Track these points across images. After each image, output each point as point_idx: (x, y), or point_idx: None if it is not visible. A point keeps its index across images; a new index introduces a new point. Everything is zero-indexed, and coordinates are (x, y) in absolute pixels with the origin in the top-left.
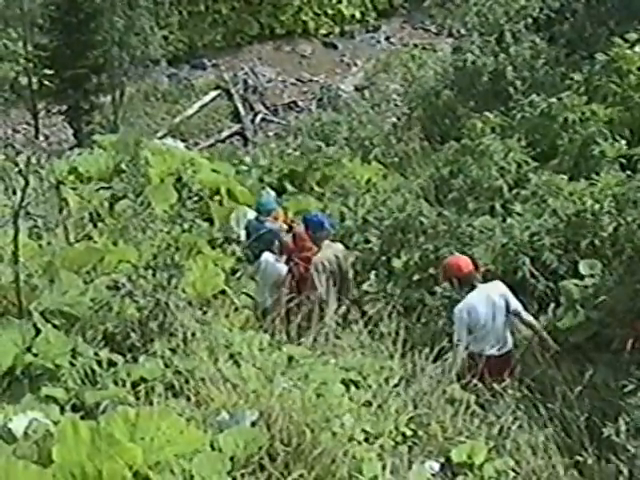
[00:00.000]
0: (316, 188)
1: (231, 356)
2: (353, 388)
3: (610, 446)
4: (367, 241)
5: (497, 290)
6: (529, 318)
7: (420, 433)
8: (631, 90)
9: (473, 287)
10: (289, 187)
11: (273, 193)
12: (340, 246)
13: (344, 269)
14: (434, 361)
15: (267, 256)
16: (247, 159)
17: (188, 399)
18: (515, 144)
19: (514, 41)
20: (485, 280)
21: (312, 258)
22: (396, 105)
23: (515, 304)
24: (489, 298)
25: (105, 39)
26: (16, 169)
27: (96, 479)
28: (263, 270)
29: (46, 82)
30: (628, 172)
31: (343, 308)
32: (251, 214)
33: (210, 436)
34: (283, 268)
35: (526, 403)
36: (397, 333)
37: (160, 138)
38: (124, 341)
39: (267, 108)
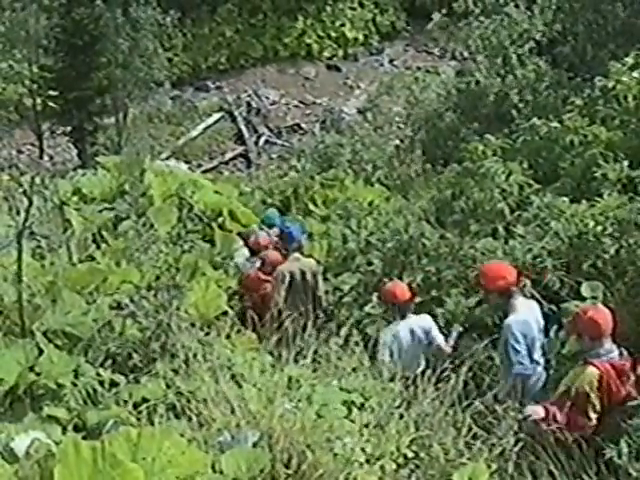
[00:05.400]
0: (317, 211)
1: (233, 377)
2: (355, 409)
3: (612, 469)
4: (369, 263)
5: (422, 322)
6: (447, 350)
7: (422, 455)
8: (629, 115)
9: (404, 315)
10: (291, 209)
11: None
12: (310, 261)
13: (311, 284)
14: (436, 383)
15: (245, 252)
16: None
17: (190, 420)
18: (517, 166)
19: (518, 64)
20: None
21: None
22: (399, 128)
23: (437, 339)
24: (412, 329)
25: (109, 61)
26: (20, 189)
27: None
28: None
29: (50, 103)
30: (630, 194)
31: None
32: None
33: (212, 457)
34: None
35: (527, 425)
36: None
37: (163, 160)
38: (126, 361)
39: (270, 130)
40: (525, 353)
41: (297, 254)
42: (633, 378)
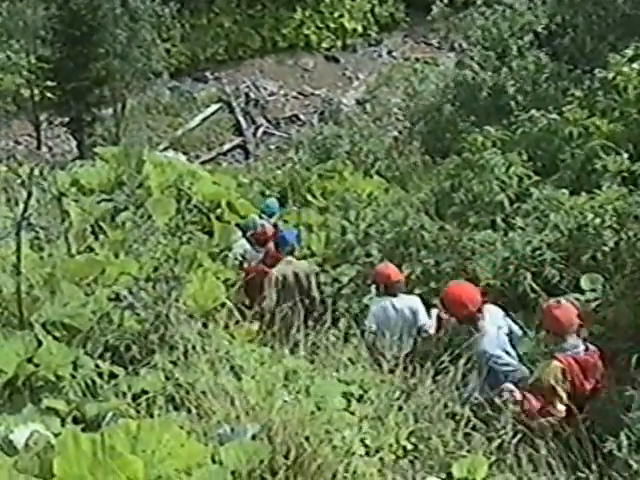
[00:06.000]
0: (315, 202)
1: (232, 369)
2: (354, 401)
3: (612, 461)
4: (368, 255)
5: (409, 303)
6: (431, 332)
7: (421, 447)
8: (629, 106)
9: (395, 295)
10: (289, 200)
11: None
12: (303, 264)
13: (305, 286)
14: (435, 375)
15: (244, 243)
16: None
17: (189, 412)
18: (516, 158)
19: (517, 55)
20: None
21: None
22: (398, 119)
23: (423, 320)
24: (400, 308)
25: (107, 51)
26: (18, 180)
27: None
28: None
29: (48, 94)
30: (630, 187)
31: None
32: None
33: (211, 449)
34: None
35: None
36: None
37: (162, 151)
38: (125, 353)
39: (269, 121)
40: (508, 360)
41: (290, 257)
42: (603, 370)
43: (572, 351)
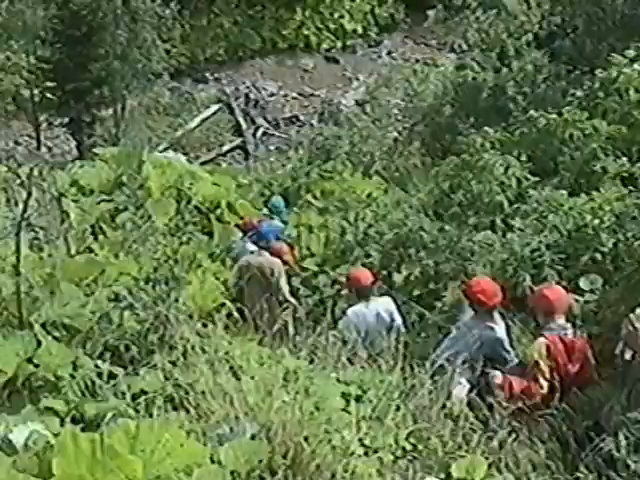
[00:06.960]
0: (315, 203)
1: (231, 369)
2: (352, 402)
3: (611, 462)
4: (367, 255)
5: (384, 305)
6: (403, 330)
7: (420, 447)
8: (631, 107)
9: (368, 299)
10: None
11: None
12: (273, 259)
13: (272, 281)
14: (433, 376)
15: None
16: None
17: (188, 412)
18: (515, 160)
19: (515, 57)
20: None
21: None
22: (397, 120)
23: (397, 320)
24: (377, 311)
25: (107, 52)
26: (18, 181)
27: None
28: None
29: (48, 95)
30: (629, 188)
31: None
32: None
33: (210, 449)
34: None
35: (525, 418)
36: (397, 347)
37: (161, 151)
38: (124, 354)
39: (268, 122)
40: (510, 349)
41: (263, 251)
42: (592, 359)
43: (560, 332)
